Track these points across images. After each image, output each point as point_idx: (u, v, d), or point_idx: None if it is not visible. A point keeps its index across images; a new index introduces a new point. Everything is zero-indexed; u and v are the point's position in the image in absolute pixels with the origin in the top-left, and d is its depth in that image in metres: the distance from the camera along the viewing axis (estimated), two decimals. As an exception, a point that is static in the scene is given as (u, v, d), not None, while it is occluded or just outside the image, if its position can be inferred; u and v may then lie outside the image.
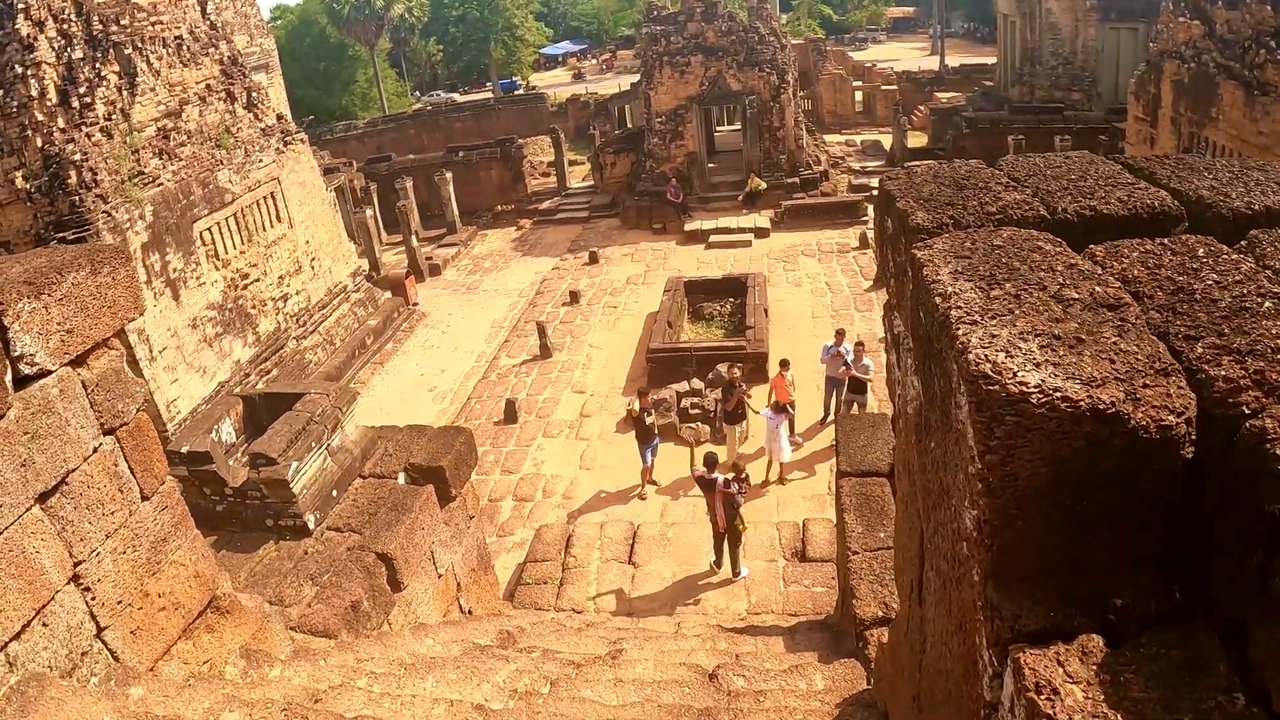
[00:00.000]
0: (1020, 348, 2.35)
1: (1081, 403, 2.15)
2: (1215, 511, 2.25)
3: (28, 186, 16.35)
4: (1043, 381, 2.21)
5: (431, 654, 7.51)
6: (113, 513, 5.76)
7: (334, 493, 10.12)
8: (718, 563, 13.53)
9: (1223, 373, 2.29)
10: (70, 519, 5.48)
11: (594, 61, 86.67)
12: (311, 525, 9.64)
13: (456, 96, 68.10)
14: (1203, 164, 3.65)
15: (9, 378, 5.15)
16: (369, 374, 23.77)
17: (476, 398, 21.58)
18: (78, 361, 5.62)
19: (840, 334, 17.31)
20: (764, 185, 31.64)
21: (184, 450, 9.81)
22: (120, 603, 5.76)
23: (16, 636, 5.05)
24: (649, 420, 16.10)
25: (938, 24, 68.16)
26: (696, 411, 18.21)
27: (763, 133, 32.38)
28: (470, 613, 10.71)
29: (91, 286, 5.69)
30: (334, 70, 59.91)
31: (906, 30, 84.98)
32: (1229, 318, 2.51)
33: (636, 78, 40.74)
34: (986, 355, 2.32)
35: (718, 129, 38.82)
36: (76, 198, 16.22)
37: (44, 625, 5.25)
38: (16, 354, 5.17)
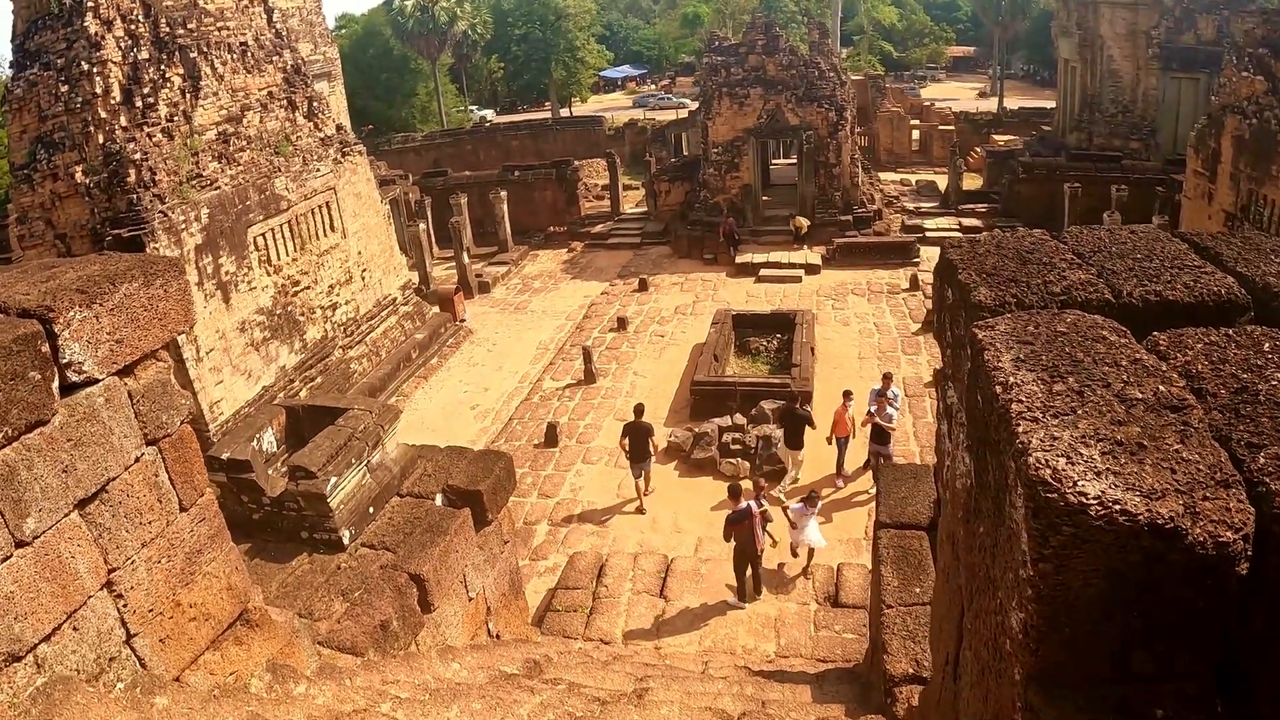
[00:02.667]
0: (1082, 454, 2.29)
1: (1140, 517, 2.10)
2: (1265, 631, 2.20)
3: (87, 181, 16.64)
4: (1103, 493, 2.15)
5: (457, 680, 7.46)
6: (150, 522, 5.79)
7: (370, 509, 10.13)
8: (742, 594, 13.53)
9: (1284, 487, 2.21)
10: (108, 526, 5.50)
11: (653, 86, 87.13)
12: (346, 541, 9.65)
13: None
14: (1270, 245, 3.54)
15: (56, 384, 5.18)
16: (412, 387, 23.89)
17: (518, 419, 21.59)
18: (125, 371, 5.65)
19: (888, 378, 17.07)
20: (807, 225, 31.48)
21: (224, 457, 9.88)
22: (151, 611, 5.78)
23: (47, 639, 5.06)
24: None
25: (997, 65, 67.90)
26: (738, 447, 18.08)
27: (818, 168, 32.28)
28: (498, 637, 10.66)
29: (144, 298, 5.73)
30: (395, 82, 60.57)
31: (966, 70, 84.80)
32: (1293, 424, 2.43)
33: (695, 107, 40.78)
34: (1047, 460, 2.26)
35: (774, 162, 38.75)
36: (134, 196, 16.47)
37: (74, 629, 5.26)
38: (65, 361, 5.21)
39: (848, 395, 17.04)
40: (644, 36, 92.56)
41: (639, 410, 17.22)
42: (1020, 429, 2.39)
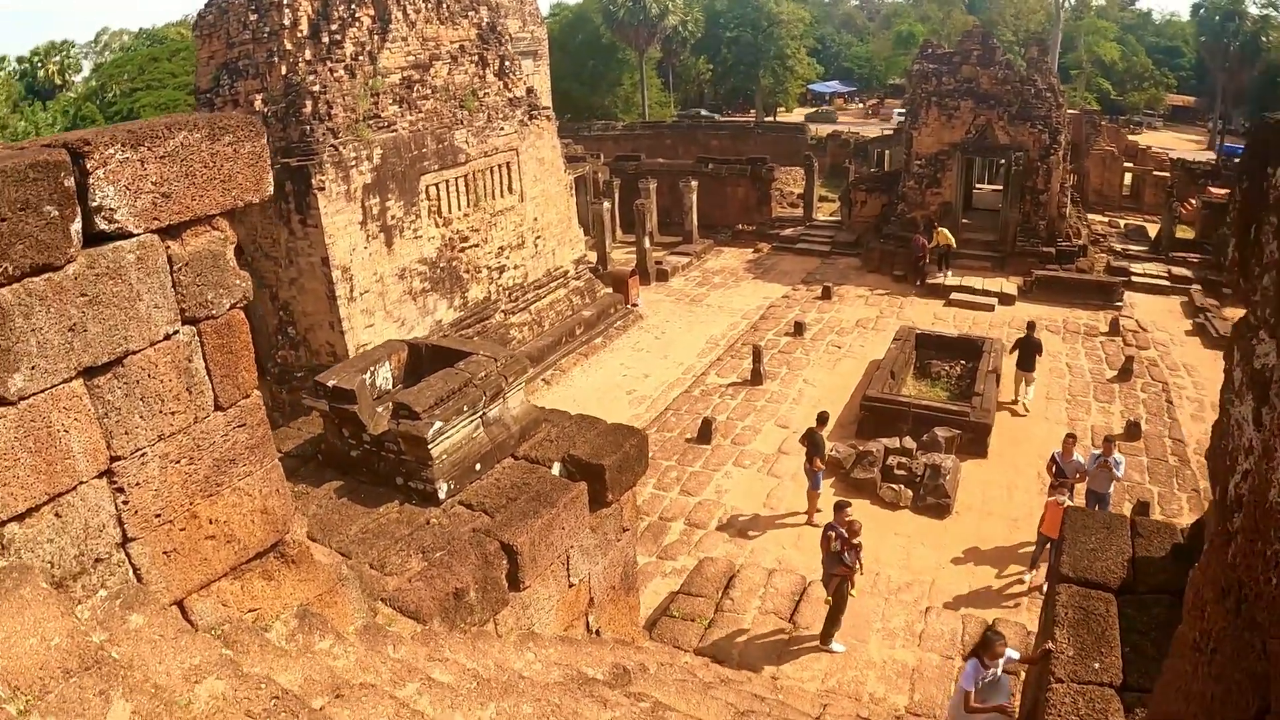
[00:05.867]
0: None
1: None
2: None
3: (265, 110, 16.45)
4: None
5: (525, 673, 6.28)
6: (173, 413, 4.83)
7: (478, 466, 9.09)
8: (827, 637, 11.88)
9: None
10: (118, 406, 4.58)
11: (860, 105, 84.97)
12: (442, 495, 8.63)
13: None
14: None
15: (78, 228, 4.29)
16: (571, 363, 23.12)
17: (674, 410, 20.50)
18: (169, 233, 4.71)
19: (1109, 443, 14.55)
20: (954, 243, 29.15)
21: (330, 384, 9.03)
22: (159, 517, 4.82)
23: (19, 519, 4.24)
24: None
25: (1218, 117, 63.07)
26: (902, 472, 16.39)
27: (1025, 193, 29.89)
28: (597, 633, 9.44)
29: (204, 152, 4.78)
30: (600, 70, 60.54)
31: (1184, 120, 79.03)
32: None
33: (901, 124, 38.82)
34: None
35: (976, 186, 36.35)
36: (308, 127, 16.15)
37: (56, 515, 4.40)
38: (94, 204, 4.35)
39: (1062, 487, 13.65)
40: (856, 54, 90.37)
41: (822, 419, 16.25)
42: None
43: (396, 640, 5.81)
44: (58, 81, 68.12)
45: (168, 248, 4.71)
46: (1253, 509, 2.23)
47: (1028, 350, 19.77)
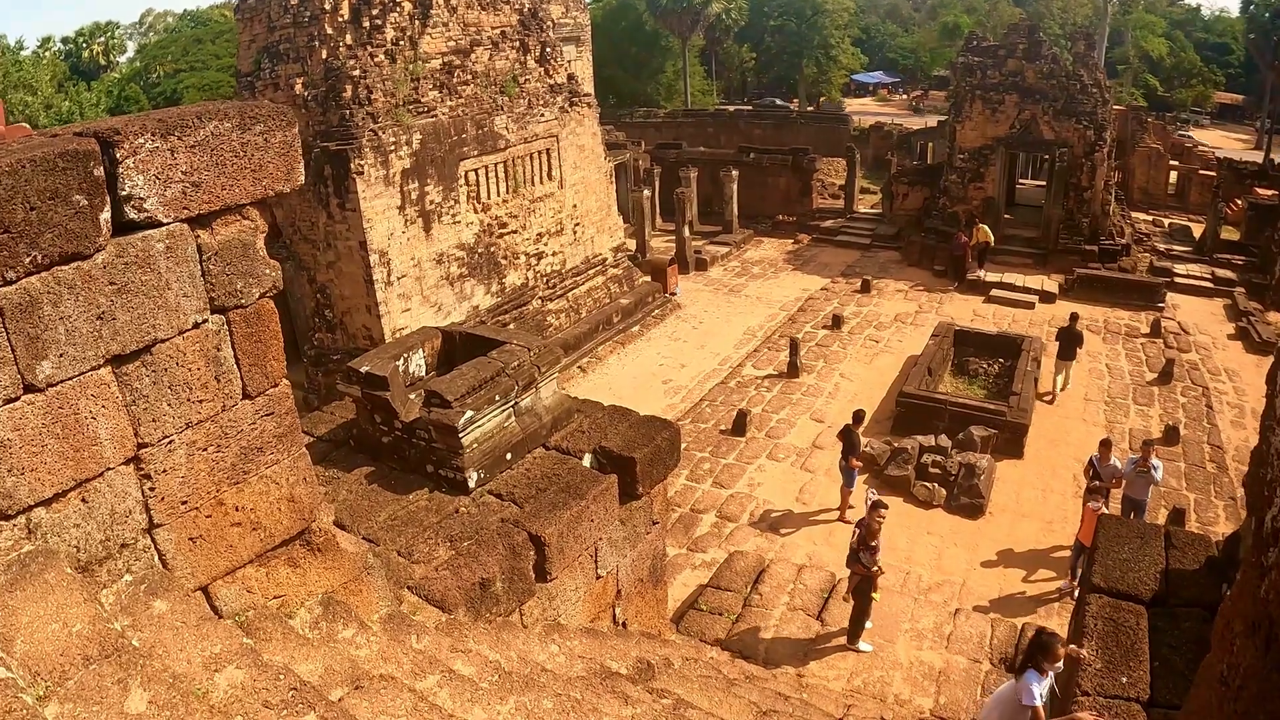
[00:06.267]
0: None
1: None
2: None
3: (305, 94, 16.54)
4: None
5: (548, 665, 6.28)
6: (201, 401, 4.87)
7: (508, 456, 9.10)
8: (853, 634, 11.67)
9: None
10: (146, 394, 4.63)
11: (904, 96, 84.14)
12: (472, 484, 8.65)
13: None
14: None
15: (107, 217, 4.33)
16: (608, 351, 23.14)
17: (709, 401, 20.47)
18: (199, 222, 4.75)
19: (1148, 447, 14.05)
20: (993, 239, 28.84)
21: (363, 370, 9.07)
22: (185, 504, 4.87)
23: (46, 503, 4.31)
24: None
25: (1266, 116, 61.69)
26: (936, 471, 16.22)
27: (1069, 190, 29.44)
28: (624, 626, 9.44)
29: (234, 141, 4.80)
30: (643, 57, 60.13)
31: (1232, 119, 77.04)
32: None
33: (944, 118, 38.31)
34: None
35: (1020, 182, 35.88)
36: (348, 111, 16.23)
37: (83, 501, 4.47)
38: (124, 194, 4.39)
39: (1098, 491, 13.51)
40: (901, 44, 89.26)
41: (858, 417, 15.70)
42: None
43: (420, 630, 5.82)
44: (102, 62, 69.11)
45: (197, 237, 4.75)
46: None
47: (1069, 340, 20.00)
